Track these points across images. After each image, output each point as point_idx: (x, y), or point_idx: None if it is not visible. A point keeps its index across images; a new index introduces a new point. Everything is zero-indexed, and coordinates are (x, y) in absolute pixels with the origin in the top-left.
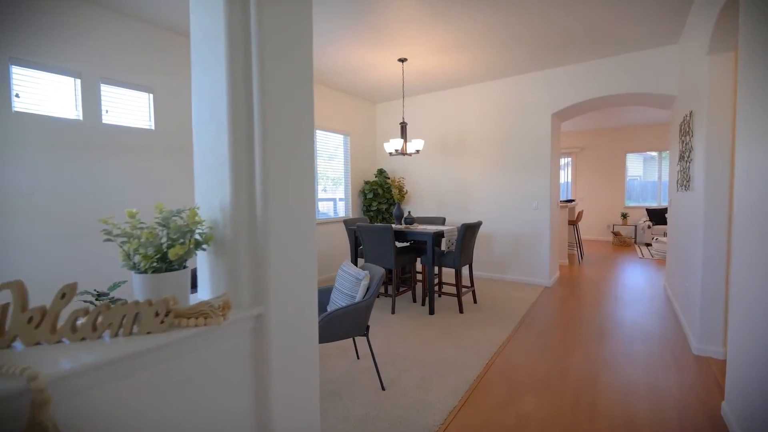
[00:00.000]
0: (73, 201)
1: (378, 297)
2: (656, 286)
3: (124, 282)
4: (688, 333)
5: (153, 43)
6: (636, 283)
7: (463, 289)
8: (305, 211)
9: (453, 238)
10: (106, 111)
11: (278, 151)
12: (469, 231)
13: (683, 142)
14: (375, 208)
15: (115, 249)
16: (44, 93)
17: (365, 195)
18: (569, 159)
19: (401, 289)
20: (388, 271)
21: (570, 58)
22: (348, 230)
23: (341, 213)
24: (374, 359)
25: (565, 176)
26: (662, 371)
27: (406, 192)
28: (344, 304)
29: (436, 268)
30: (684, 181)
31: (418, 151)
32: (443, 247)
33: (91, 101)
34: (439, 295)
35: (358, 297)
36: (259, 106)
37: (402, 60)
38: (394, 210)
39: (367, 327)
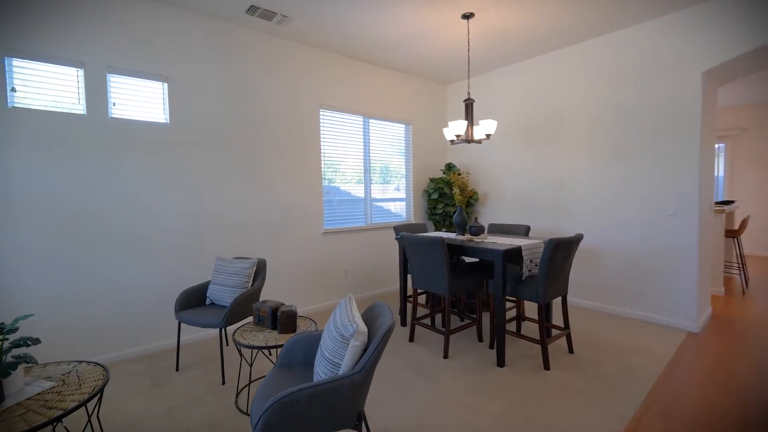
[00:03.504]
0: (74, 203)
1: (428, 323)
2: None
3: (32, 315)
4: None
5: (167, 25)
6: None
7: (553, 331)
8: None
9: (536, 257)
10: (114, 104)
11: None
12: (560, 250)
13: None
14: (441, 211)
15: (115, 256)
16: (44, 86)
17: (429, 195)
18: (721, 145)
19: (463, 321)
20: (442, 299)
21: None
22: (398, 240)
23: (407, 216)
24: None
25: (717, 169)
26: None
27: (474, 192)
28: (324, 377)
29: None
30: None
31: (488, 137)
32: (523, 270)
33: (96, 93)
34: (518, 332)
35: (344, 368)
36: None
37: (467, 16)
38: (454, 215)
39: (360, 416)
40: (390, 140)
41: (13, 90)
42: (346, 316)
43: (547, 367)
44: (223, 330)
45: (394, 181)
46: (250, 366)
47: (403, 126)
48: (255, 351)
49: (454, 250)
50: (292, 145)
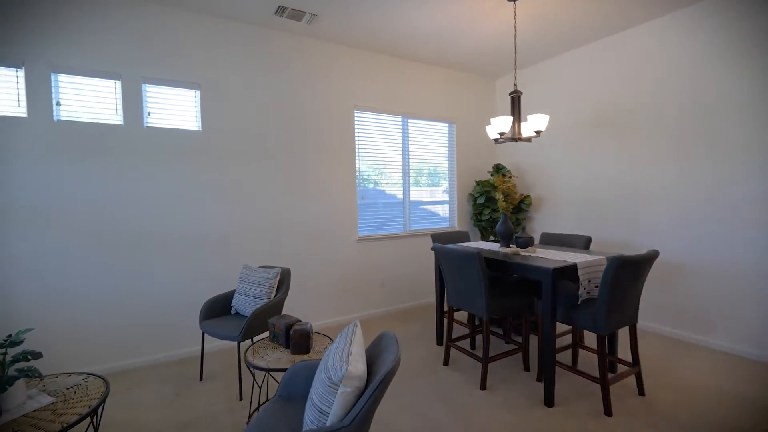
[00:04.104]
0: (111, 209)
1: (467, 346)
2: None
3: (32, 329)
4: None
5: (198, 33)
6: None
7: (619, 366)
8: None
9: (596, 276)
10: (149, 113)
11: None
12: (627, 271)
13: None
14: (487, 217)
15: (148, 260)
16: (85, 99)
17: (475, 199)
18: None
19: (508, 345)
20: (480, 320)
21: None
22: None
23: (450, 222)
24: None
25: None
26: None
27: (526, 196)
28: (311, 425)
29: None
30: None
31: (538, 134)
32: (579, 291)
33: (132, 103)
34: (574, 365)
35: (332, 417)
36: None
37: None
38: (498, 224)
39: None
40: (431, 140)
41: (58, 104)
42: (341, 352)
43: (608, 411)
44: (241, 343)
45: (436, 184)
46: (260, 388)
47: (446, 125)
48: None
49: (495, 265)
50: (325, 149)
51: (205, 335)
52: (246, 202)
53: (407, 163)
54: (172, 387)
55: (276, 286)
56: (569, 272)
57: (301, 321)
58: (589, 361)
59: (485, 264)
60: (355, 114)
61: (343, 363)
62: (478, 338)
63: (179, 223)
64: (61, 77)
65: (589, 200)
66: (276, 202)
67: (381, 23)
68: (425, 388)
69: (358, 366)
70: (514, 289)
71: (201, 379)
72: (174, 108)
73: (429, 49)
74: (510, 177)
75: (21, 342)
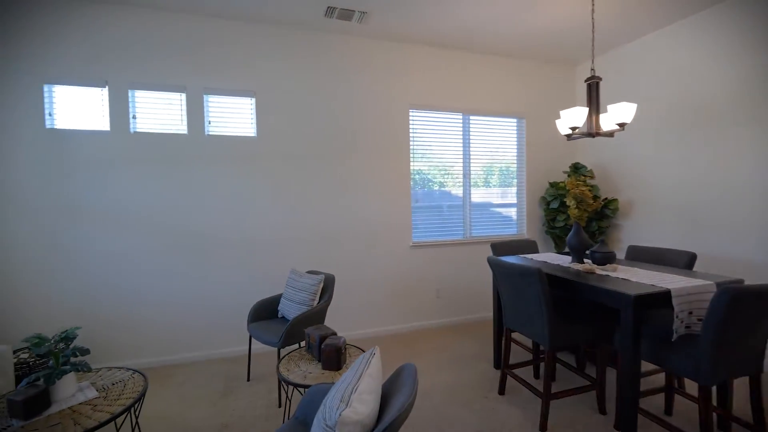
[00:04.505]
0: (173, 213)
1: (528, 375)
2: None
3: (79, 328)
4: None
5: (253, 42)
6: None
7: (734, 426)
8: None
9: (699, 308)
10: (209, 122)
11: None
12: (746, 305)
13: None
14: (562, 224)
15: (207, 261)
16: (156, 111)
17: (548, 203)
18: None
19: (578, 373)
20: (538, 347)
21: None
22: None
23: (518, 229)
24: None
25: None
26: None
27: (612, 200)
28: None
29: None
30: None
31: (622, 127)
32: (675, 326)
33: (195, 113)
34: (668, 412)
35: None
36: None
37: None
38: (569, 235)
39: None
40: (496, 138)
41: (134, 117)
42: (344, 388)
43: None
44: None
45: (502, 186)
46: (289, 401)
47: (515, 120)
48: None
49: (563, 284)
50: (378, 151)
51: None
52: (298, 205)
53: (468, 164)
54: (221, 385)
55: (319, 293)
56: (661, 300)
57: (336, 334)
58: (689, 410)
59: (547, 283)
60: (410, 113)
61: (341, 404)
62: (543, 365)
63: (234, 227)
64: (137, 93)
65: (693, 206)
66: (328, 206)
67: (436, 14)
68: (470, 419)
69: (359, 409)
70: (587, 312)
71: (248, 380)
72: (232, 116)
73: (491, 37)
74: (590, 178)
75: (74, 338)
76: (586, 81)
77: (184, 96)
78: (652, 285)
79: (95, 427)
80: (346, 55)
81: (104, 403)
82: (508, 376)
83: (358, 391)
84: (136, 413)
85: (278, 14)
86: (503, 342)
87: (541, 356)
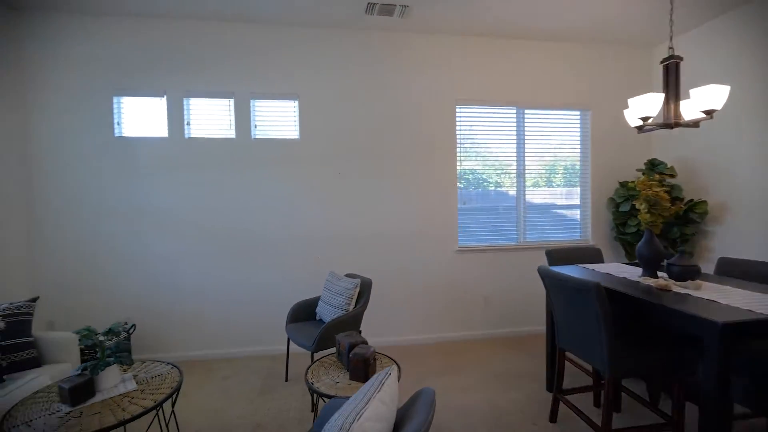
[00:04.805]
0: (223, 214)
1: (587, 401)
2: None
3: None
4: None
5: (295, 45)
6: None
7: None
8: None
9: None
10: (255, 125)
11: None
12: None
13: None
14: (634, 230)
15: (252, 261)
16: (206, 117)
17: (617, 206)
18: None
19: (652, 416)
20: (599, 376)
21: None
22: None
23: (582, 234)
24: None
25: None
26: None
27: (698, 202)
28: None
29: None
30: None
31: (710, 115)
32: None
33: (242, 118)
34: None
35: None
36: None
37: None
38: (639, 243)
39: None
40: (556, 133)
41: (188, 124)
42: (348, 413)
43: None
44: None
45: (564, 186)
46: (315, 408)
47: (578, 113)
48: None
49: (629, 302)
50: (422, 150)
51: None
52: (340, 207)
53: (522, 162)
54: (260, 382)
55: (355, 297)
56: (761, 329)
57: (366, 342)
58: None
59: (608, 301)
60: (457, 109)
61: (341, 431)
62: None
63: (277, 228)
64: (192, 101)
65: None
66: (370, 208)
67: (486, 1)
68: None
69: None
70: (661, 334)
71: (286, 380)
72: (276, 119)
73: (551, 21)
74: (669, 176)
75: (120, 332)
76: (662, 62)
77: (232, 101)
78: (749, 310)
79: (128, 419)
80: (387, 52)
81: (140, 397)
82: (561, 402)
83: (362, 418)
84: (173, 404)
85: (318, 16)
86: (557, 362)
87: (602, 382)
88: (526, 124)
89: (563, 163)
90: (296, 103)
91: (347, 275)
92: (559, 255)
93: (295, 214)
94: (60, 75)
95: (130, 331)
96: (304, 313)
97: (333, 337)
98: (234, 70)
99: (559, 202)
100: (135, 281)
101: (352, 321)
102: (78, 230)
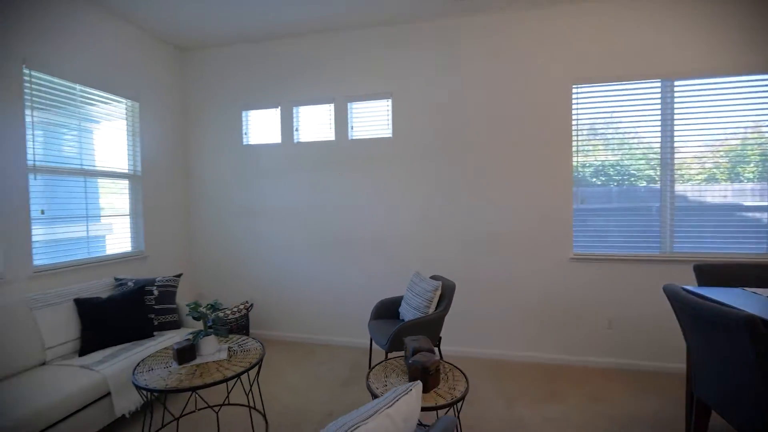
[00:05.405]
0: (324, 212)
1: None
2: None
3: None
4: None
5: (386, 44)
6: None
7: None
8: None
9: None
10: (352, 127)
11: None
12: None
13: None
14: None
15: (344, 258)
16: (312, 122)
17: None
18: None
19: None
20: None
21: None
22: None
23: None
24: None
25: None
26: None
27: None
28: None
29: None
30: None
31: None
32: None
33: (340, 121)
34: None
35: None
36: None
37: None
38: None
39: None
40: (719, 109)
41: (296, 130)
42: (345, 423)
43: None
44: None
45: (733, 180)
46: None
47: (754, 80)
48: None
49: None
50: (528, 142)
51: None
52: (434, 207)
53: (670, 150)
54: (346, 372)
55: (435, 300)
56: None
57: (432, 350)
58: None
59: None
60: (574, 90)
61: None
62: None
63: (371, 225)
64: (300, 109)
65: None
66: (466, 208)
67: None
68: None
69: None
70: None
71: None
72: (371, 119)
73: None
74: None
75: (220, 308)
76: None
77: (332, 106)
78: None
79: (212, 383)
80: (480, 37)
81: (225, 366)
82: None
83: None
84: (257, 376)
85: (407, 12)
86: (693, 416)
87: None
88: (675, 100)
89: (730, 150)
90: (389, 102)
91: (432, 277)
92: (710, 272)
93: (386, 212)
94: (207, 97)
95: (250, 309)
96: (387, 311)
97: (400, 340)
98: (332, 76)
99: (728, 201)
100: (255, 268)
101: (431, 325)
102: (218, 226)
